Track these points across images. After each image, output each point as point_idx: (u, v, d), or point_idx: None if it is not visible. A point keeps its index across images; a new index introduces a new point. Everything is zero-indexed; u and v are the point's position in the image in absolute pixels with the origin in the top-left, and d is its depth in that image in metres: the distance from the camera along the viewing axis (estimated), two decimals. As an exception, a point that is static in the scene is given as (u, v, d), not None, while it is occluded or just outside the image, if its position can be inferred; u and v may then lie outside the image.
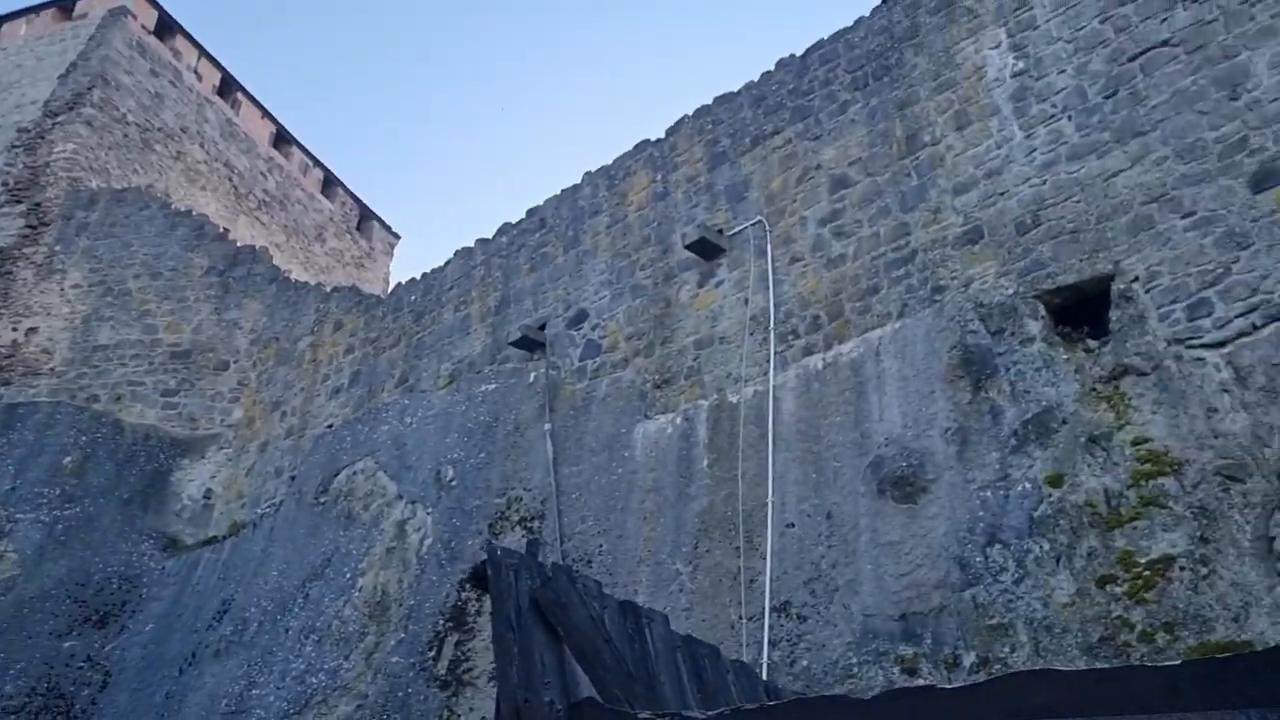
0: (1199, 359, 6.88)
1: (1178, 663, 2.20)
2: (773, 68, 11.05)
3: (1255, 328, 6.70)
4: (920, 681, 6.74)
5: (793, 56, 10.88)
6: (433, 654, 10.13)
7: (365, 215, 26.53)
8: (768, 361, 9.29)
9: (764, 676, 6.13)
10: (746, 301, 9.80)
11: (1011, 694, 2.25)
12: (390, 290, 15.32)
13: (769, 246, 9.89)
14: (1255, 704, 2.00)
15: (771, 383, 9.12)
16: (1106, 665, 6.02)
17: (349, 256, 25.11)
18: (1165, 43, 7.85)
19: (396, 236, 27.52)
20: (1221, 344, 6.82)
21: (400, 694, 10.08)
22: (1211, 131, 7.36)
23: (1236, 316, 6.81)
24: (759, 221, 10.12)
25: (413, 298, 14.04)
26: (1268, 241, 6.83)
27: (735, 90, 11.33)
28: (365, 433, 13.04)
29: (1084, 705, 2.14)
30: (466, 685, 9.67)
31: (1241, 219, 6.99)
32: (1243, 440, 6.48)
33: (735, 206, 10.53)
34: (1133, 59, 7.99)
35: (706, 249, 10.34)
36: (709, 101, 11.59)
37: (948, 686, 2.41)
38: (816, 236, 9.59)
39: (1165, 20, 7.91)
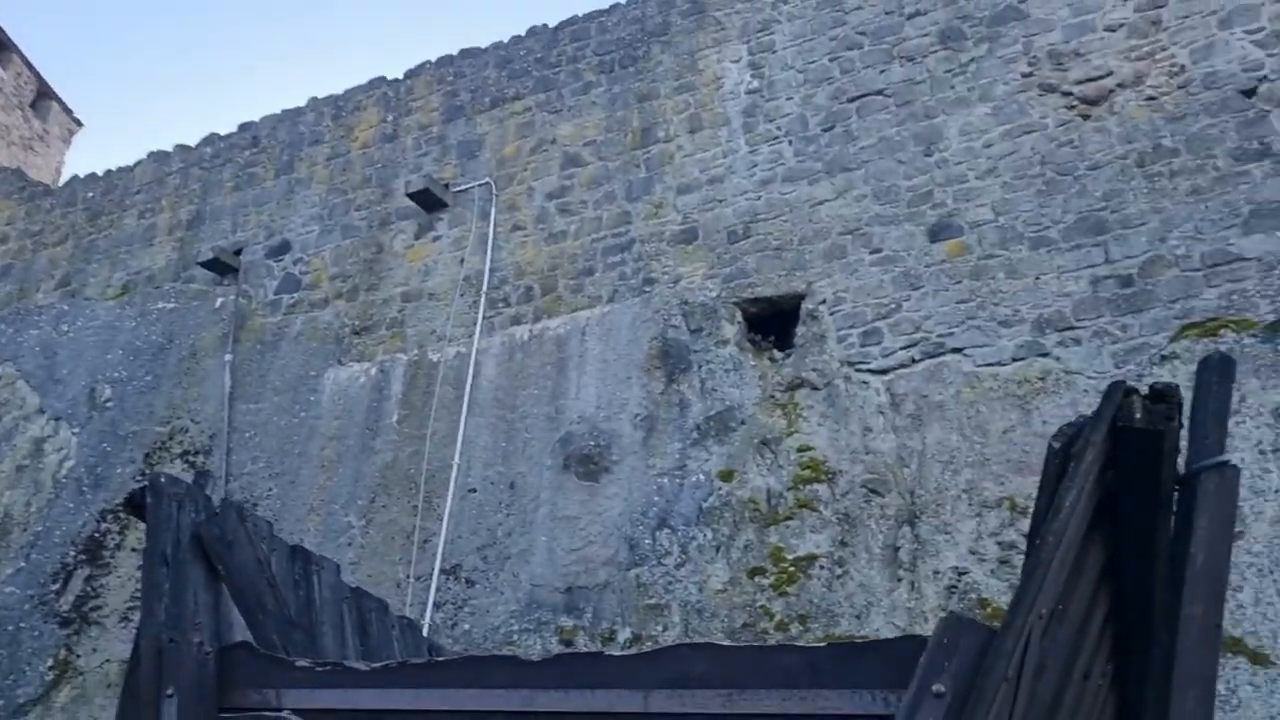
0: (864, 382, 7.61)
1: (822, 645, 2.40)
2: (523, 34, 10.95)
3: (914, 361, 7.52)
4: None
5: (545, 27, 10.84)
6: (56, 587, 9.15)
7: (44, 93, 23.37)
8: (474, 324, 9.21)
9: (425, 635, 6.09)
10: (462, 261, 9.66)
11: (674, 664, 2.36)
12: (64, 182, 13.63)
13: (493, 210, 9.81)
14: (881, 686, 2.22)
15: (475, 346, 9.06)
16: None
17: (16, 135, 22.07)
18: (880, 92, 8.60)
19: (78, 124, 24.50)
20: (884, 371, 7.59)
21: (10, 628, 9.02)
22: (905, 180, 8.15)
23: (900, 349, 7.60)
24: (487, 183, 10.00)
25: (90, 194, 12.58)
26: (935, 287, 7.67)
27: (483, 48, 11.12)
28: (9, 335, 11.53)
29: (737, 677, 2.30)
30: (93, 624, 8.83)
31: (917, 263, 7.81)
32: (888, 459, 7.25)
33: (465, 164, 10.34)
34: (851, 100, 8.68)
35: (429, 201, 10.07)
36: (454, 53, 11.30)
37: (615, 654, 2.50)
38: (542, 209, 9.63)
39: (883, 72, 8.67)
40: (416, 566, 8.10)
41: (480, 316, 9.23)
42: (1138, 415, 2.12)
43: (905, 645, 2.22)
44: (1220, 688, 5.68)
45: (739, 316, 8.31)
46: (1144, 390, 2.16)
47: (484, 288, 9.38)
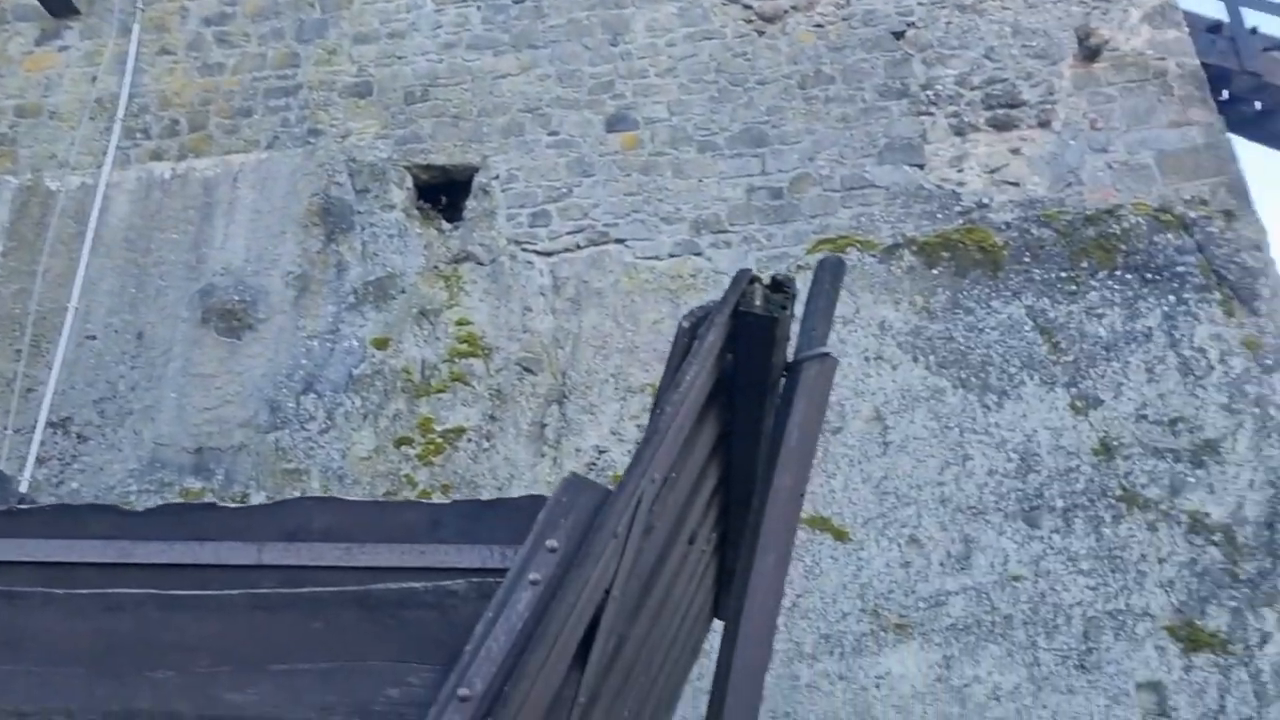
0: (529, 262, 7.67)
1: (447, 502, 2.43)
2: None
3: (578, 247, 7.67)
4: (202, 515, 6.61)
5: None
6: None
7: None
8: (105, 154, 8.19)
9: (23, 491, 5.49)
10: (95, 80, 8.48)
11: (295, 517, 2.28)
12: None
13: (137, 27, 8.65)
14: (500, 541, 2.29)
15: (104, 179, 8.06)
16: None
17: None
18: (574, -28, 8.48)
19: None
20: (550, 254, 7.68)
21: None
22: (590, 67, 8.17)
23: (566, 233, 7.72)
24: (132, -5, 8.79)
25: None
26: (605, 176, 7.83)
27: None
28: None
29: (359, 531, 2.27)
30: None
31: (592, 151, 7.91)
32: (544, 340, 7.41)
33: (107, -32, 9.00)
34: (545, -24, 8.50)
35: (56, 4, 8.69)
36: None
37: (230, 505, 2.38)
38: (197, 35, 8.64)
39: (579, -48, 8.54)
40: (17, 418, 7.23)
41: (113, 146, 8.20)
42: (758, 302, 2.29)
43: (527, 504, 2.28)
44: (807, 559, 6.49)
45: (409, 182, 8.03)
46: (766, 280, 2.34)
47: (120, 114, 8.32)
